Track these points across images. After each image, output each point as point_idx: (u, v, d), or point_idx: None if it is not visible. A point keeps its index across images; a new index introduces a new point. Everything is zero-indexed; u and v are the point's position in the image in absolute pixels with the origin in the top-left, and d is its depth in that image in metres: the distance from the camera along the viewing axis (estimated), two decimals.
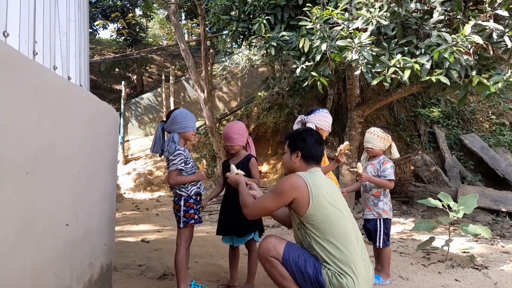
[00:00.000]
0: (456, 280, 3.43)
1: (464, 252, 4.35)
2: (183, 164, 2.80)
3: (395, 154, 3.42)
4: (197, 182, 2.90)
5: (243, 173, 2.90)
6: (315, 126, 3.17)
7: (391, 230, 3.85)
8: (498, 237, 5.32)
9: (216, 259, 3.95)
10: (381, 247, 3.24)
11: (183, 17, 17.74)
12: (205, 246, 4.52)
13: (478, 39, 3.95)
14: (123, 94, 14.25)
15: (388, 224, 3.30)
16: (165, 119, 2.99)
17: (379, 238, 3.24)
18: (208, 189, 9.65)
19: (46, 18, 2.03)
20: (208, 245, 4.57)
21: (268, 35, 5.26)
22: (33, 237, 1.54)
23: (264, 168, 10.89)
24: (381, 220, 3.27)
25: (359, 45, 4.23)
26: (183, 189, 2.83)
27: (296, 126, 3.32)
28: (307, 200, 2.12)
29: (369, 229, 3.33)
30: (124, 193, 10.98)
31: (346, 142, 3.04)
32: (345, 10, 4.76)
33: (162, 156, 2.95)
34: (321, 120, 3.18)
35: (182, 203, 2.82)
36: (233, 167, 2.90)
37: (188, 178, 2.83)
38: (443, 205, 4.00)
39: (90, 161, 2.27)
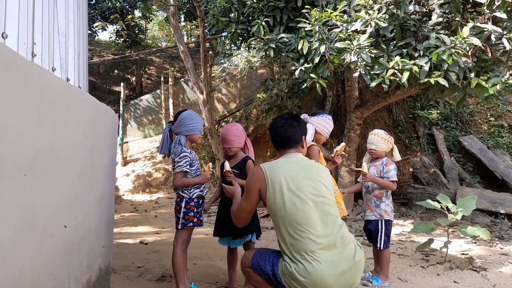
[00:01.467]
0: (454, 282, 3.43)
1: (463, 254, 4.35)
2: (188, 166, 2.81)
3: (397, 156, 3.43)
4: (200, 185, 2.90)
5: (237, 172, 2.93)
6: (314, 128, 3.17)
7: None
8: (496, 239, 5.32)
9: (214, 261, 3.94)
10: (382, 248, 3.24)
11: (182, 19, 17.76)
12: (204, 248, 4.51)
13: (476, 41, 3.96)
14: (122, 95, 14.24)
15: (389, 225, 3.30)
16: (172, 120, 2.99)
17: (380, 239, 3.24)
18: (208, 191, 9.66)
19: (45, 19, 2.03)
20: (206, 247, 4.56)
21: (267, 37, 5.27)
22: (31, 238, 1.54)
23: None
24: (383, 221, 3.27)
25: (358, 47, 4.24)
26: (186, 191, 2.83)
27: None
28: (265, 188, 2.12)
29: (371, 230, 3.33)
30: (123, 195, 10.96)
31: (343, 144, 3.04)
32: (344, 12, 4.78)
33: (169, 157, 2.95)
34: (322, 124, 3.19)
35: (183, 204, 2.82)
36: (226, 164, 2.94)
37: (194, 180, 2.84)
38: (441, 207, 4.00)
39: (89, 163, 2.27)
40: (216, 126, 12.08)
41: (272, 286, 2.12)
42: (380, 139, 3.33)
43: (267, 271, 2.11)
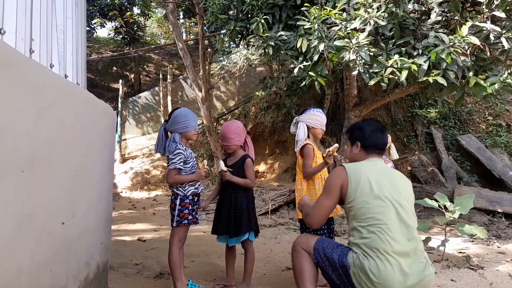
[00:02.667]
0: (452, 280, 3.45)
1: (460, 252, 4.37)
2: (182, 164, 2.80)
3: (394, 155, 3.43)
4: (195, 182, 2.89)
5: (231, 170, 2.93)
6: (306, 125, 3.16)
7: None
8: (494, 237, 5.34)
9: (212, 258, 3.95)
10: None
11: (181, 16, 17.73)
12: (202, 245, 4.52)
13: (475, 40, 3.97)
14: (120, 92, 14.22)
15: None
16: (167, 119, 2.98)
17: None
18: (205, 189, 9.65)
19: (43, 15, 2.03)
20: (204, 244, 4.57)
21: (266, 34, 5.27)
22: (29, 236, 1.53)
23: (262, 168, 10.89)
24: None
25: (356, 45, 4.24)
26: (180, 189, 2.83)
27: (292, 128, 3.32)
28: (347, 185, 2.15)
29: None
30: (121, 192, 10.95)
31: (336, 145, 3.03)
32: (343, 10, 4.77)
33: (164, 155, 2.95)
34: (312, 119, 3.18)
35: (177, 202, 2.82)
36: (220, 162, 2.94)
37: (187, 178, 2.83)
38: (439, 206, 4.01)
39: (87, 160, 2.26)
40: (215, 123, 12.08)
41: (333, 273, 2.10)
42: None
43: (334, 259, 2.10)
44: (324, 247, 2.17)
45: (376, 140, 2.34)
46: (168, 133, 2.95)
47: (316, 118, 3.20)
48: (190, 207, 2.83)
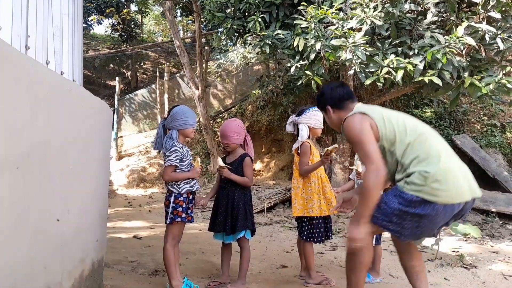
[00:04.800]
0: (445, 279, 3.47)
1: (454, 251, 4.40)
2: (178, 161, 2.80)
3: None
4: (190, 180, 2.89)
5: (230, 167, 2.95)
6: (308, 126, 3.18)
7: None
8: (487, 237, 5.38)
9: (208, 256, 3.96)
10: (373, 245, 3.26)
11: (178, 14, 17.68)
12: (197, 243, 4.52)
13: (470, 41, 3.99)
14: (117, 90, 14.18)
15: None
16: (166, 116, 2.99)
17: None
18: (202, 187, 9.65)
19: (39, 12, 2.02)
20: (200, 242, 4.58)
21: (263, 33, 5.28)
22: (24, 232, 1.54)
23: (258, 166, 10.91)
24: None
25: (353, 44, 4.26)
26: (175, 186, 2.83)
27: (288, 127, 3.33)
28: (374, 121, 2.14)
29: None
30: (117, 189, 10.94)
31: (335, 145, 3.05)
32: (340, 9, 4.79)
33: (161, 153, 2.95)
34: (313, 119, 3.20)
35: (172, 199, 2.82)
36: (219, 159, 2.96)
37: (183, 175, 2.83)
38: None
39: (83, 157, 2.26)
40: (211, 122, 12.07)
41: (406, 220, 2.04)
42: None
43: (393, 208, 2.03)
44: (381, 209, 2.07)
45: (339, 94, 2.40)
46: (167, 130, 2.95)
47: (316, 118, 3.22)
48: (184, 205, 2.83)
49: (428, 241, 4.15)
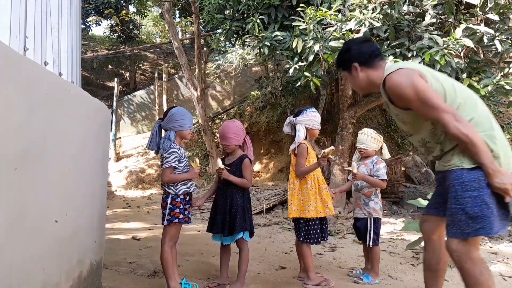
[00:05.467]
0: (444, 280, 3.47)
1: None
2: (176, 162, 2.80)
3: (386, 154, 3.45)
4: (188, 181, 2.89)
5: (229, 168, 2.95)
6: (305, 127, 3.18)
7: (381, 230, 3.89)
8: (486, 238, 5.39)
9: (206, 257, 3.95)
10: (371, 246, 3.27)
11: (177, 15, 17.70)
12: (196, 244, 4.52)
13: (469, 43, 4.01)
14: (115, 91, 14.17)
15: (378, 223, 3.33)
16: (162, 117, 2.99)
17: (369, 237, 3.27)
18: (200, 188, 9.65)
19: (38, 13, 2.02)
20: (199, 243, 4.57)
21: (261, 34, 5.28)
22: (21, 233, 1.53)
23: (257, 167, 10.91)
24: (372, 219, 3.30)
25: None
26: (172, 187, 2.82)
27: (286, 128, 3.33)
28: (423, 74, 1.91)
29: (359, 228, 3.37)
30: (116, 191, 10.92)
31: (332, 147, 3.05)
32: (339, 11, 4.80)
33: (158, 154, 2.95)
34: (310, 120, 3.20)
35: (169, 201, 2.82)
36: (218, 160, 2.96)
37: (182, 176, 2.83)
38: None
39: (81, 158, 2.26)
40: (210, 123, 12.07)
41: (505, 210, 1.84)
42: (369, 138, 3.36)
43: (487, 197, 1.80)
44: (486, 208, 1.80)
45: (368, 48, 2.10)
46: (163, 131, 2.95)
47: (313, 119, 3.22)
48: (181, 206, 2.82)
49: None
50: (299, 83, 5.30)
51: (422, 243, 4.04)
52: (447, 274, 3.63)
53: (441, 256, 2.20)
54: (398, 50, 4.48)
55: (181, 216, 2.81)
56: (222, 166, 2.95)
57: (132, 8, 18.39)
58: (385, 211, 6.92)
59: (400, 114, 2.05)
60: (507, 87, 4.32)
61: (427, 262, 2.26)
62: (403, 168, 8.26)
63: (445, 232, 1.96)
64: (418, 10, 4.52)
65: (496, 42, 4.19)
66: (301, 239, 3.11)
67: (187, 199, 2.90)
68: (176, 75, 15.06)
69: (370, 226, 3.29)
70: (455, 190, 1.88)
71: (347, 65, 2.14)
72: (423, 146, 2.09)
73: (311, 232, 3.09)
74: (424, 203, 4.10)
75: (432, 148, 2.04)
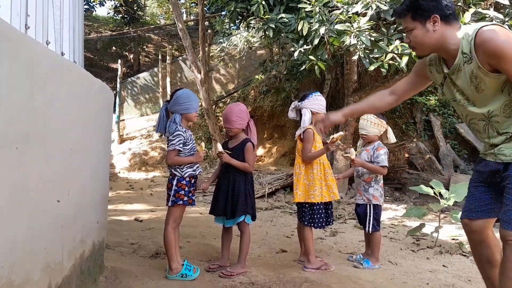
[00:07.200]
0: (443, 266, 3.49)
1: (453, 239, 4.42)
2: (181, 145, 2.81)
3: (392, 138, 3.42)
4: (193, 164, 2.91)
5: (229, 152, 2.95)
6: (311, 111, 3.16)
7: (382, 216, 3.90)
8: None
9: (208, 239, 3.99)
10: (370, 232, 3.28)
11: None
12: (198, 227, 4.56)
13: None
14: (119, 73, 14.11)
15: (378, 210, 3.33)
16: (169, 99, 2.98)
17: (369, 223, 3.28)
18: (204, 171, 9.68)
19: None
20: (201, 226, 4.61)
21: (266, 16, 5.20)
22: (23, 212, 1.54)
23: (260, 151, 10.91)
24: (371, 205, 3.30)
25: (357, 29, 4.20)
26: (178, 170, 2.85)
27: (290, 113, 3.31)
28: None
29: (360, 214, 3.37)
30: (119, 173, 10.99)
31: (341, 133, 3.03)
32: None
33: (165, 136, 2.96)
34: (315, 104, 3.18)
35: (174, 182, 2.84)
36: (218, 145, 2.96)
37: (186, 159, 2.85)
38: (434, 193, 4.04)
39: (83, 138, 2.26)
40: (214, 106, 12.03)
41: None
42: (369, 124, 3.33)
43: None
44: None
45: (451, 3, 1.88)
46: (169, 113, 2.95)
47: (319, 103, 3.20)
48: (186, 188, 2.85)
49: (428, 229, 4.17)
50: (304, 67, 5.25)
51: (423, 230, 4.06)
52: (447, 260, 3.65)
53: (494, 248, 2.16)
54: (404, 34, 4.41)
55: (185, 198, 2.84)
56: (222, 150, 2.95)
57: None
58: (387, 197, 6.93)
59: (479, 78, 1.81)
60: None
61: (491, 259, 2.13)
62: (406, 155, 8.24)
63: (501, 224, 1.88)
64: None
65: (505, 27, 4.12)
66: (305, 223, 3.13)
67: (192, 181, 2.92)
68: (180, 58, 14.96)
69: (370, 213, 3.29)
70: None
71: (426, 14, 1.86)
72: (485, 119, 1.89)
73: (315, 216, 3.10)
74: (426, 190, 4.10)
75: (496, 124, 1.87)
